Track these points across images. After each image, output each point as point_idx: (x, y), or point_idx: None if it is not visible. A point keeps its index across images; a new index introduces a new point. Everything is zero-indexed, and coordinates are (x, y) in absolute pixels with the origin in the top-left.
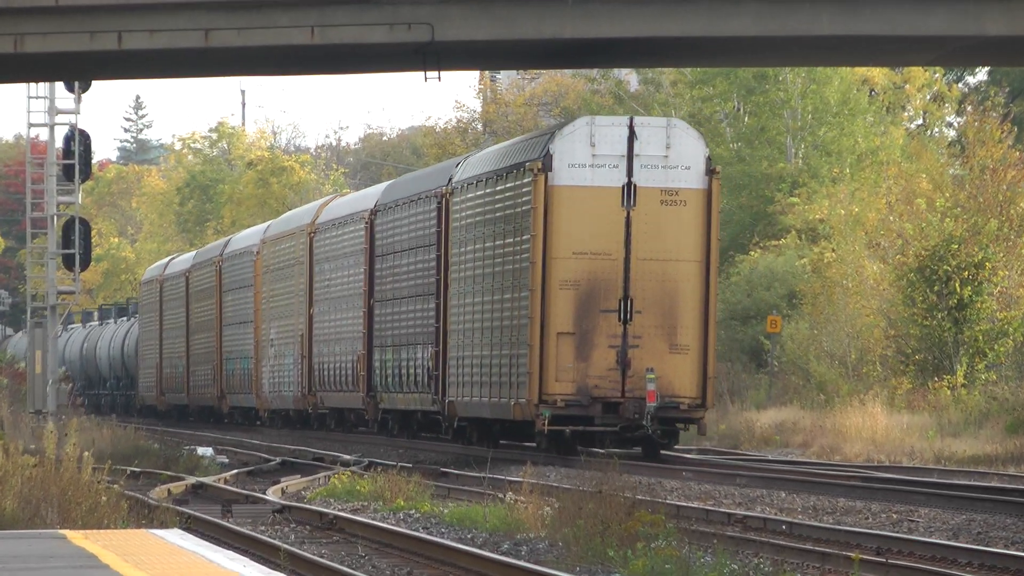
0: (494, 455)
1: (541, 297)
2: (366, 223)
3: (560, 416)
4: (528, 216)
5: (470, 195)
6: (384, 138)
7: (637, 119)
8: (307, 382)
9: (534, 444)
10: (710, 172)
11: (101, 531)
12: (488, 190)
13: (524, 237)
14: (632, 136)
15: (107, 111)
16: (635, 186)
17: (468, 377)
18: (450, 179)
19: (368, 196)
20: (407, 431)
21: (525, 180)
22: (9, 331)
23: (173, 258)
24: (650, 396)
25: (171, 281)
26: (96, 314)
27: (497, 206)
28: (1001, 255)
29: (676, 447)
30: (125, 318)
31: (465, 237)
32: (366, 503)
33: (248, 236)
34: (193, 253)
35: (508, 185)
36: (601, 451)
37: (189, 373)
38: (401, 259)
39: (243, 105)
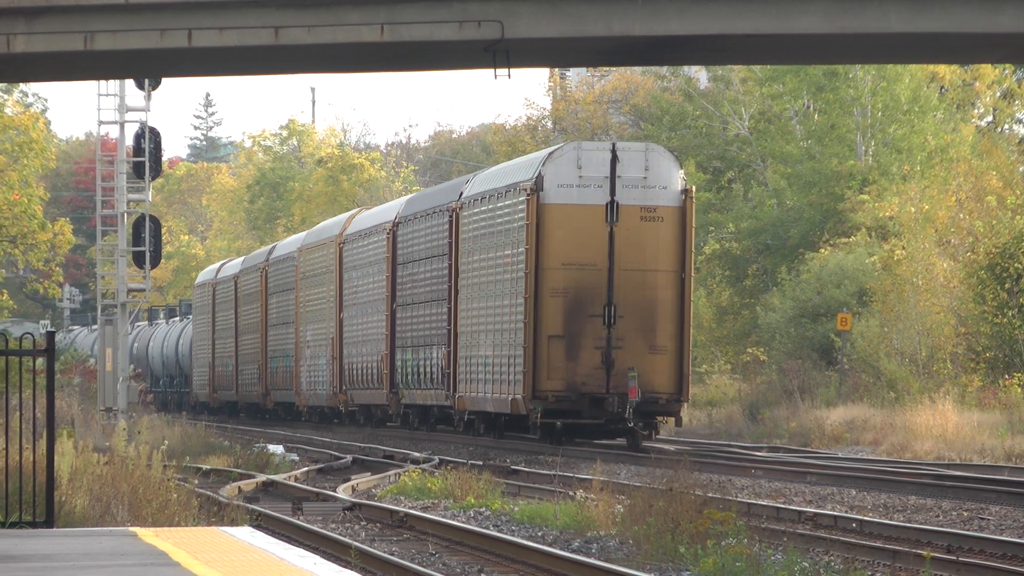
0: (506, 447)
1: (534, 303)
2: (388, 234)
3: (551, 410)
4: (523, 231)
5: (476, 210)
6: (454, 136)
7: (619, 144)
8: (338, 380)
9: (534, 436)
10: (684, 192)
11: (171, 528)
12: (490, 206)
13: (519, 249)
14: (615, 159)
15: (177, 108)
16: (617, 204)
17: (474, 375)
18: (460, 195)
19: (390, 209)
20: (426, 424)
21: (520, 199)
22: (74, 327)
23: (225, 263)
24: (632, 392)
25: (223, 285)
26: (162, 312)
27: (498, 221)
28: None
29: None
30: (177, 319)
31: (472, 248)
32: (436, 501)
33: (290, 244)
34: (242, 259)
35: (506, 202)
36: (588, 441)
37: (238, 372)
38: (418, 267)
39: (313, 103)
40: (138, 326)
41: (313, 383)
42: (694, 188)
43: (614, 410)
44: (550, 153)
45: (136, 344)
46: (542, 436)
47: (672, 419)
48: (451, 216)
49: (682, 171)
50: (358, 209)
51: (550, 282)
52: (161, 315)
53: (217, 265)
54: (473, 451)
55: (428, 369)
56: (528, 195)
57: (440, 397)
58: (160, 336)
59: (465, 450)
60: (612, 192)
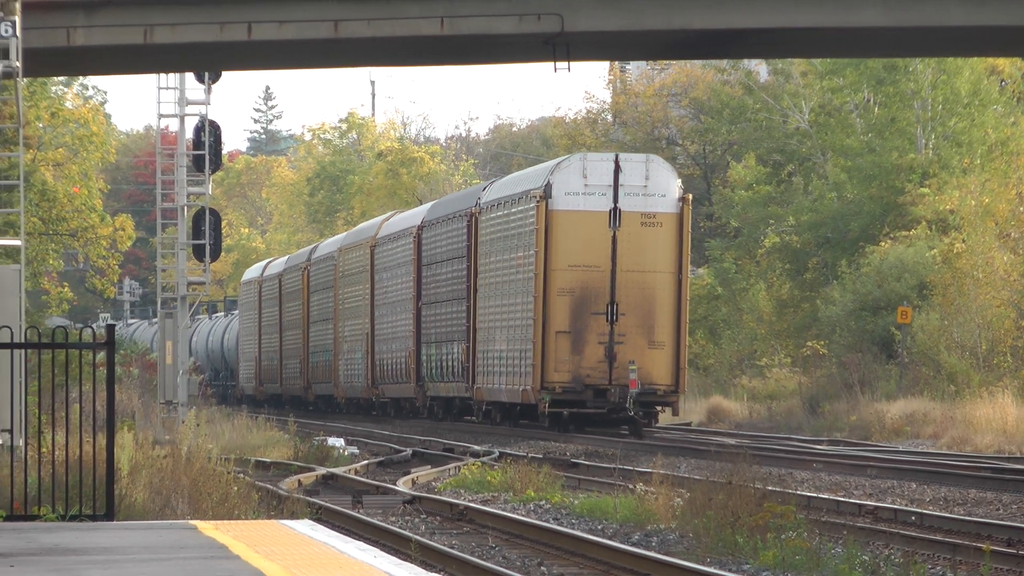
0: (512, 433)
1: (543, 302)
2: (414, 237)
3: (558, 400)
4: (533, 235)
5: (492, 215)
6: (514, 129)
7: (621, 155)
8: (371, 374)
9: (544, 424)
10: (681, 199)
11: (231, 522)
12: (504, 212)
13: (530, 252)
14: (617, 169)
15: (237, 102)
16: (620, 211)
17: (490, 368)
18: (478, 201)
19: (416, 214)
20: (450, 415)
21: (531, 205)
22: (132, 320)
23: (270, 262)
24: (632, 384)
25: (268, 283)
26: (219, 306)
27: (510, 226)
28: None
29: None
30: (221, 314)
31: (488, 250)
32: (496, 494)
33: (330, 244)
34: (286, 258)
35: (518, 209)
36: (593, 429)
37: (282, 366)
38: (441, 268)
39: (373, 96)
40: (198, 319)
41: (350, 376)
42: (690, 196)
43: (616, 400)
44: (558, 163)
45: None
46: (550, 424)
47: (670, 409)
48: (470, 221)
49: (679, 181)
50: (391, 213)
51: (558, 282)
52: (219, 308)
53: (263, 263)
54: (490, 438)
55: (450, 363)
56: (538, 202)
57: (461, 389)
58: (205, 331)
59: (483, 438)
60: (615, 199)
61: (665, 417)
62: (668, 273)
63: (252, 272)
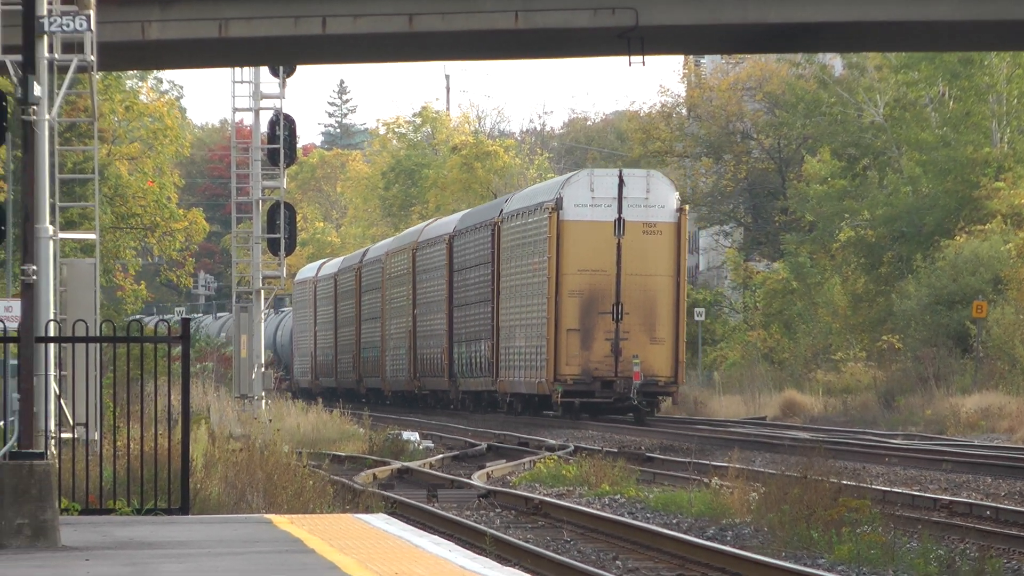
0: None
1: (555, 302)
2: (447, 244)
3: (569, 391)
4: (546, 243)
5: (512, 225)
6: (588, 123)
7: (625, 171)
8: (413, 369)
9: (557, 413)
10: (679, 210)
11: (306, 515)
12: (521, 222)
13: (544, 258)
14: (621, 183)
15: (311, 96)
16: (624, 221)
17: (511, 363)
18: (500, 212)
19: (449, 222)
20: (479, 407)
21: (544, 216)
22: (195, 315)
23: (324, 263)
24: (636, 376)
25: (323, 282)
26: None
27: (527, 234)
28: None
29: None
30: (272, 311)
31: (509, 256)
32: (571, 488)
33: (379, 248)
34: (341, 259)
35: (533, 219)
36: (601, 416)
37: (337, 361)
38: (470, 273)
39: (447, 90)
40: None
41: (395, 371)
42: (687, 207)
43: (621, 391)
44: (568, 178)
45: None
46: (563, 413)
47: (670, 399)
48: (493, 230)
49: (677, 194)
50: (431, 219)
51: (568, 285)
52: (286, 303)
53: (316, 264)
54: (511, 425)
55: (478, 360)
56: (550, 213)
57: (487, 383)
58: None
59: (505, 425)
60: (619, 211)
61: (729, 410)
62: (667, 276)
63: (306, 272)
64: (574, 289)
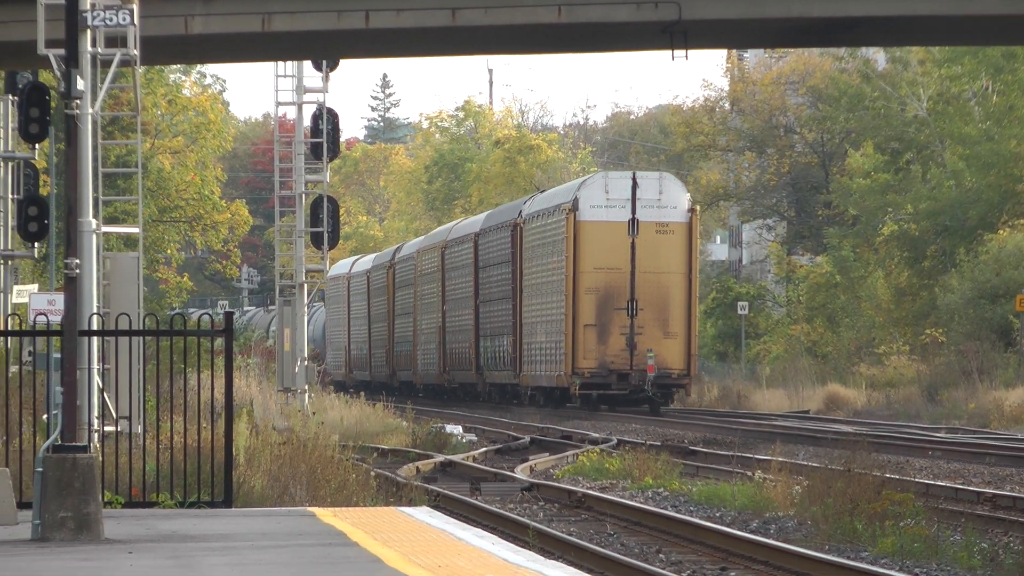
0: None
1: (573, 299)
2: (473, 243)
3: (587, 383)
4: (563, 242)
5: (532, 225)
6: (632, 117)
7: (638, 173)
8: (442, 363)
9: (575, 405)
10: (690, 210)
11: (350, 508)
12: (540, 223)
13: (561, 257)
14: (635, 185)
15: (354, 89)
16: (638, 221)
17: (532, 357)
18: (520, 213)
19: (476, 222)
20: (504, 399)
21: (562, 217)
22: (248, 308)
23: (357, 259)
24: (650, 369)
25: (356, 279)
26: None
27: (546, 235)
28: None
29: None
30: (317, 304)
31: (530, 256)
32: (614, 481)
33: (411, 245)
34: (374, 255)
35: (551, 220)
36: (614, 408)
37: (371, 355)
38: (494, 271)
39: (490, 84)
40: (270, 309)
41: (426, 365)
42: (698, 208)
43: (636, 383)
44: (584, 181)
45: (272, 328)
46: (581, 404)
47: (683, 390)
48: (514, 230)
49: (688, 195)
50: (459, 220)
51: (585, 282)
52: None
53: (350, 261)
54: (534, 416)
55: (501, 354)
56: (567, 214)
57: (510, 376)
58: None
59: (526, 416)
60: (633, 211)
61: (772, 404)
62: (680, 274)
63: (339, 268)
64: (590, 286)
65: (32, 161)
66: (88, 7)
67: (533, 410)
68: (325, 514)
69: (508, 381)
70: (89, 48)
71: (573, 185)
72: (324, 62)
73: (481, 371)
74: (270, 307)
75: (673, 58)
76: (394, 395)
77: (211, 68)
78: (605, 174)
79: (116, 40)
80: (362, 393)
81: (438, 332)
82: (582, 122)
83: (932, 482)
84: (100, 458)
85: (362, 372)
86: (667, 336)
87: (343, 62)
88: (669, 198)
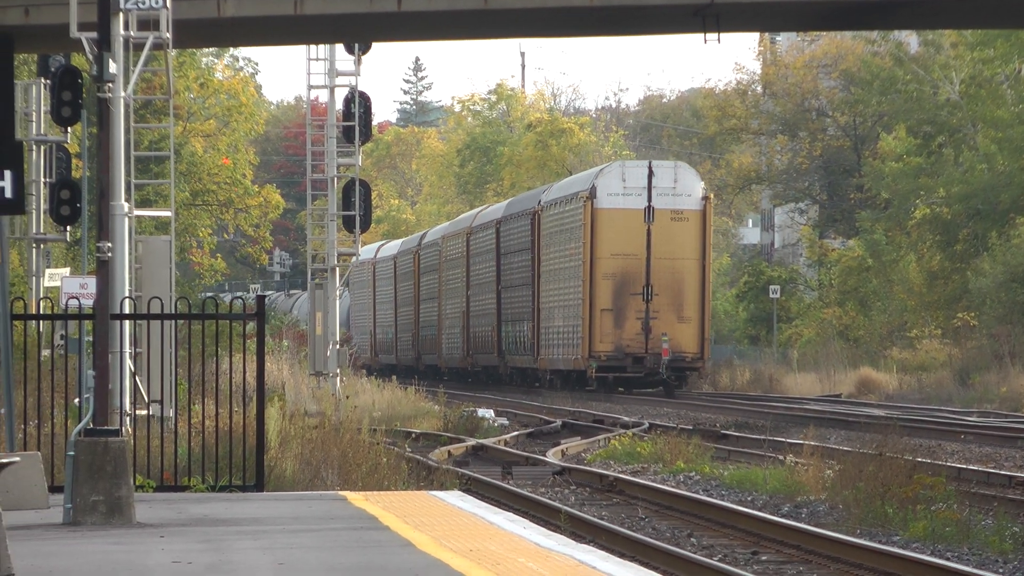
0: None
1: (590, 285)
2: (495, 230)
3: (603, 366)
4: (581, 229)
5: (550, 213)
6: (664, 100)
7: (654, 162)
8: (466, 347)
9: (592, 388)
10: (704, 198)
11: (381, 492)
12: (559, 210)
13: (579, 244)
14: (651, 174)
15: (387, 73)
16: (653, 208)
17: (550, 341)
18: (539, 201)
19: (498, 209)
20: (524, 383)
21: (579, 204)
22: (268, 292)
23: (382, 244)
24: (664, 352)
25: (382, 264)
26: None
27: (564, 222)
28: None
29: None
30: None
31: (548, 243)
32: (646, 465)
33: (437, 232)
34: (400, 241)
35: (569, 207)
36: (628, 391)
37: (397, 339)
38: (514, 258)
39: (522, 67)
40: (293, 293)
41: (451, 349)
42: (712, 195)
43: (651, 366)
44: (601, 169)
45: (294, 310)
46: (598, 387)
47: (696, 373)
48: (533, 218)
49: (702, 183)
50: (483, 207)
51: (602, 268)
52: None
53: (375, 246)
54: (564, 399)
55: (522, 339)
56: (585, 202)
57: (529, 361)
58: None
59: (546, 398)
60: (649, 199)
61: (804, 387)
62: (694, 260)
63: (364, 253)
64: (607, 272)
65: (64, 144)
66: None
67: (556, 393)
68: (356, 498)
69: (528, 365)
70: (121, 31)
71: (591, 174)
72: (356, 45)
73: (503, 355)
74: (291, 292)
75: (705, 41)
76: (421, 378)
77: (243, 51)
78: (622, 163)
79: (148, 23)
80: (393, 377)
81: (462, 317)
82: (614, 105)
83: (964, 466)
84: (132, 442)
85: (388, 356)
86: (681, 320)
87: (375, 45)
88: (684, 186)
